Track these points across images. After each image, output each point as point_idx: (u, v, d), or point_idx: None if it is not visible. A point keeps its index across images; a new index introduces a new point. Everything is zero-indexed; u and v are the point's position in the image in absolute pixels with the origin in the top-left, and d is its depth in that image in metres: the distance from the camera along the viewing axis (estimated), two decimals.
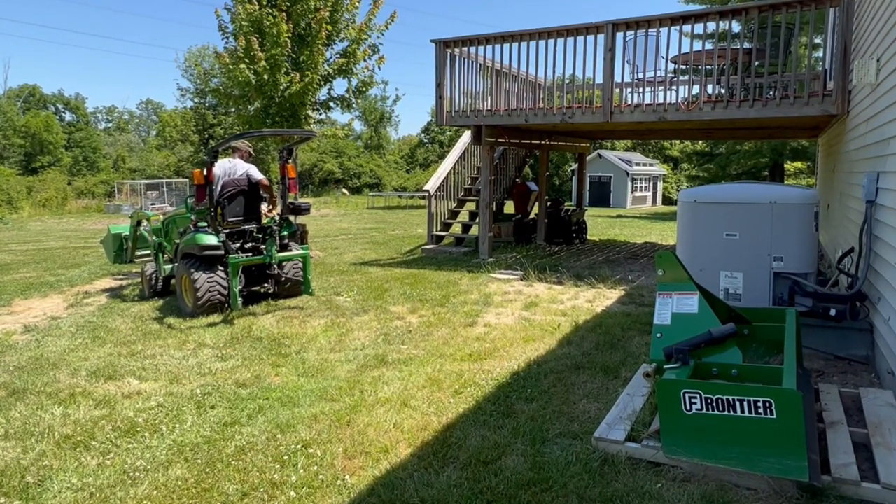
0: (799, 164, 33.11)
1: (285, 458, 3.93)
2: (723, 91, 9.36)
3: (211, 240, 7.74)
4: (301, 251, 8.27)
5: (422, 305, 8.26)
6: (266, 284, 8.34)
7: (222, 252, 7.74)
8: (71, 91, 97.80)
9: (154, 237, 9.35)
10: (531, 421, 4.42)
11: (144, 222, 9.91)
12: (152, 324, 7.45)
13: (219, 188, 8.07)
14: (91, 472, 3.79)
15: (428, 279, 10.09)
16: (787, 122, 10.20)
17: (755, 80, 8.95)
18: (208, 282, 7.67)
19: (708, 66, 9.46)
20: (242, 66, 15.61)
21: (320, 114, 17.68)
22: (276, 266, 8.19)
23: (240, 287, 7.75)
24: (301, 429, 4.37)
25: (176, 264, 8.40)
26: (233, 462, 3.89)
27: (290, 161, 8.44)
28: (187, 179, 40.18)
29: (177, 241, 8.67)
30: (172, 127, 57.07)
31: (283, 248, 8.31)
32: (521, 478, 3.61)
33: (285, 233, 8.35)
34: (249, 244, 8.12)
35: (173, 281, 8.81)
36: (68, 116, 69.43)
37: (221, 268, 7.81)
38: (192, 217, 8.29)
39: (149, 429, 4.42)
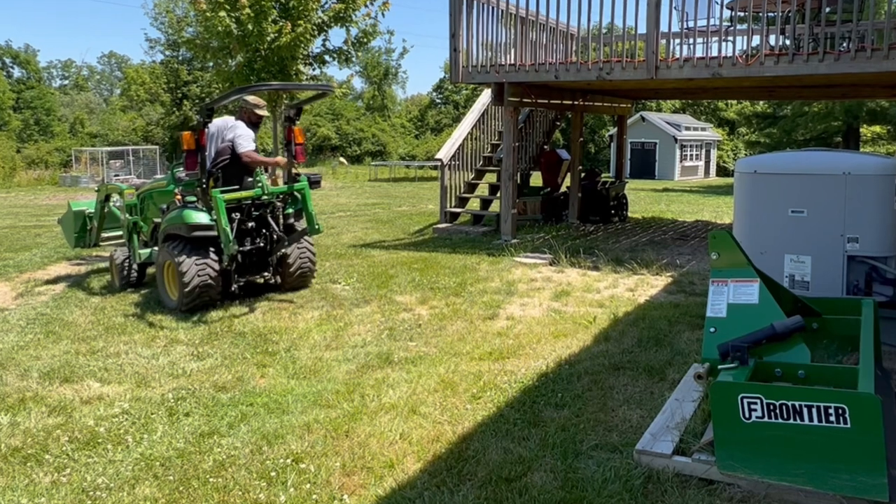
0: (877, 129, 32.81)
1: (272, 474, 3.95)
2: (787, 43, 9.27)
3: (202, 218, 7.36)
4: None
5: (433, 295, 8.27)
6: (266, 273, 8.07)
7: (215, 233, 7.33)
8: (20, 42, 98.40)
9: (128, 215, 8.97)
10: (562, 431, 4.42)
11: (116, 197, 9.45)
12: (116, 316, 7.47)
13: (212, 154, 7.75)
14: (44, 491, 3.82)
15: (440, 264, 10.10)
16: (864, 78, 10.09)
17: (826, 29, 8.85)
18: (198, 270, 7.30)
19: (770, 14, 9.36)
20: (222, 13, 15.56)
21: (314, 69, 17.62)
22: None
23: (235, 277, 7.64)
24: (291, 440, 4.38)
25: (154, 248, 8.19)
26: (211, 479, 3.91)
27: (298, 123, 8.10)
28: (157, 147, 40.20)
29: (156, 219, 8.42)
30: (139, 85, 57.04)
31: (288, 227, 8.01)
32: (550, 497, 3.61)
33: (290, 210, 8.04)
34: (250, 224, 7.75)
35: (150, 268, 8.63)
36: (17, 72, 69.62)
37: (214, 251, 7.44)
38: (176, 190, 7.96)
39: (112, 440, 4.44)
